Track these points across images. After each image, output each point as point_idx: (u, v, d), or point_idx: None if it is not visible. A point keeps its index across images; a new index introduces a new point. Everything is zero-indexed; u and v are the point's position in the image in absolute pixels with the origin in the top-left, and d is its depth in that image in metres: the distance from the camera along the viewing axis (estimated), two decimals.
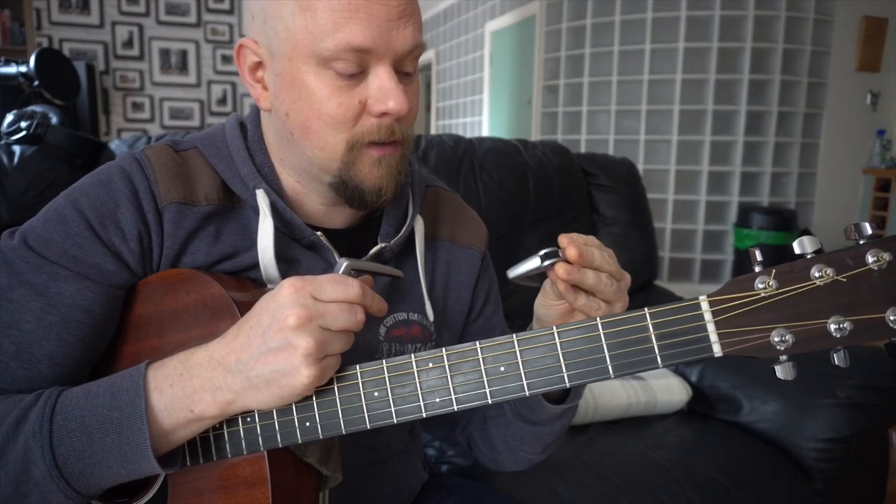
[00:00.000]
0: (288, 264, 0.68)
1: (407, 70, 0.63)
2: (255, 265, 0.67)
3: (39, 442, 0.55)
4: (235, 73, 5.80)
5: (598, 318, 0.53)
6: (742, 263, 4.16)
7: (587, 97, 4.55)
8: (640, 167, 4.12)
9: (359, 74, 0.61)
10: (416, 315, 0.76)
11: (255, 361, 0.53)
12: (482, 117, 5.89)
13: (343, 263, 0.62)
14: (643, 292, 1.82)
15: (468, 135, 1.89)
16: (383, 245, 0.72)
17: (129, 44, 5.52)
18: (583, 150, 3.54)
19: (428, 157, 1.62)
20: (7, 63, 3.05)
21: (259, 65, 0.66)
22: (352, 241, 0.73)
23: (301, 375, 0.52)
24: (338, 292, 0.54)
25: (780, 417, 1.33)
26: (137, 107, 5.60)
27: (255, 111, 0.74)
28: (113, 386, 0.56)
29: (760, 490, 1.22)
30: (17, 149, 1.42)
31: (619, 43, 4.36)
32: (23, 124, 1.45)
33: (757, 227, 4.03)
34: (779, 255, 4.02)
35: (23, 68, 2.92)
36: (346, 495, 0.71)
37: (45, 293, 0.60)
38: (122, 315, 0.65)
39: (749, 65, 4.12)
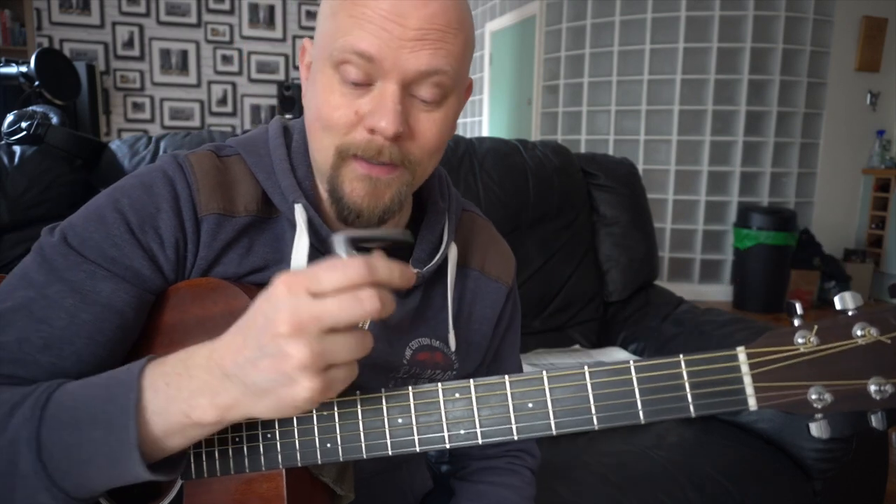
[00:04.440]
0: None
1: (423, 96, 0.61)
2: None
3: (28, 431, 0.53)
4: (236, 73, 5.80)
5: (630, 361, 0.52)
6: (741, 263, 4.17)
7: (587, 97, 4.55)
8: (640, 167, 4.12)
9: (365, 86, 0.60)
10: (437, 342, 0.74)
11: (251, 367, 0.48)
12: (482, 117, 5.89)
13: (339, 239, 0.53)
14: (643, 292, 1.82)
15: (468, 135, 1.90)
16: (416, 271, 0.69)
17: (129, 44, 5.53)
18: (583, 150, 3.54)
19: None
20: (7, 63, 3.05)
21: (311, 64, 0.67)
22: None
23: (300, 388, 0.46)
24: (336, 279, 0.46)
25: (780, 418, 1.33)
26: (138, 107, 5.60)
27: (304, 121, 0.72)
28: (111, 378, 0.54)
29: (760, 490, 1.22)
30: (17, 149, 1.42)
31: (619, 43, 4.37)
32: (23, 124, 1.45)
33: (757, 227, 4.03)
34: (779, 255, 4.04)
35: (23, 68, 2.92)
36: (354, 502, 0.70)
37: (81, 291, 0.59)
38: (148, 320, 0.65)
39: (749, 65, 4.12)
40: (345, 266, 0.46)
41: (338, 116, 0.60)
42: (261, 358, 0.47)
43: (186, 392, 0.51)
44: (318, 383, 0.47)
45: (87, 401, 0.53)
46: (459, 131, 6.22)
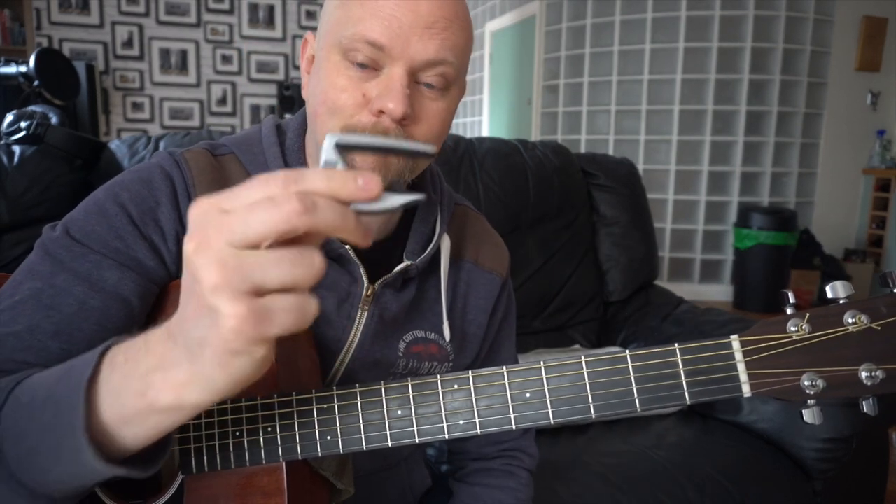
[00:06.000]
0: None
1: (428, 81, 0.62)
2: None
3: None
4: (235, 73, 5.80)
5: (626, 351, 0.53)
6: (741, 263, 4.17)
7: (587, 97, 4.55)
8: (640, 167, 4.12)
9: (371, 70, 0.61)
10: (433, 334, 0.75)
11: (184, 319, 0.39)
12: (482, 117, 5.89)
13: (329, 141, 0.41)
14: (643, 292, 1.82)
15: (468, 135, 1.90)
16: (409, 263, 0.70)
17: (129, 44, 5.52)
18: (583, 150, 3.54)
19: None
20: (7, 63, 3.05)
21: (313, 58, 0.68)
22: (378, 256, 0.72)
23: (222, 320, 0.36)
24: (253, 192, 0.37)
25: (780, 417, 1.33)
26: (137, 107, 5.60)
27: (299, 118, 0.73)
28: (79, 357, 0.48)
29: (760, 490, 1.22)
30: (17, 149, 1.42)
31: (619, 43, 4.37)
32: (23, 124, 1.45)
33: (757, 227, 4.03)
34: (779, 255, 4.04)
35: (23, 68, 2.92)
36: (353, 501, 0.71)
37: (89, 279, 0.60)
38: (151, 314, 0.65)
39: (749, 65, 4.12)
40: (264, 179, 0.37)
41: (344, 98, 0.61)
42: (187, 301, 0.39)
43: (143, 368, 0.43)
44: (242, 308, 0.36)
45: (47, 380, 0.48)
46: (459, 131, 6.22)
